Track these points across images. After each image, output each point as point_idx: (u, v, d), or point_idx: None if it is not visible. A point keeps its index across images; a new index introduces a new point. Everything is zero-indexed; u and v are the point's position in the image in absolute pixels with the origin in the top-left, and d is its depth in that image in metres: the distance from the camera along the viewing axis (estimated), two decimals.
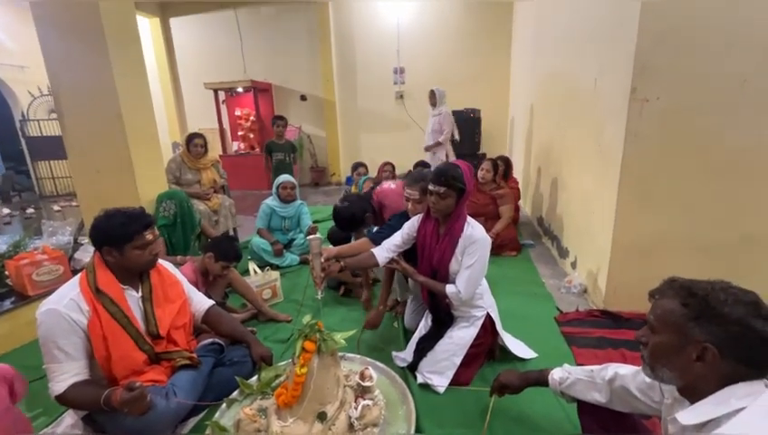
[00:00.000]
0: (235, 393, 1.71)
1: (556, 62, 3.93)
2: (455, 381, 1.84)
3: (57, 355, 1.41)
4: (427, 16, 7.38)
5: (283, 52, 7.94)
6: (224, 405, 1.65)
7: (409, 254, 2.02)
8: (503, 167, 3.89)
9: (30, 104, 7.47)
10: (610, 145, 2.43)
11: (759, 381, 0.80)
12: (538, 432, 1.59)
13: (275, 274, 2.89)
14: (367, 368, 1.69)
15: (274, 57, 8.01)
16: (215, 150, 7.59)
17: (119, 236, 1.51)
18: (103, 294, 1.49)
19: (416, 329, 2.09)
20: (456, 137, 5.30)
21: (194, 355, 1.70)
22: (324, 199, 6.82)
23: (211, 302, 1.93)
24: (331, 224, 3.91)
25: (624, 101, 2.21)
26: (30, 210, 6.52)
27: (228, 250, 2.37)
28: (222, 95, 8.04)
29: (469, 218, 1.84)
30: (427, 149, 5.22)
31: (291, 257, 3.55)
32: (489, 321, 1.94)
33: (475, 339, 1.88)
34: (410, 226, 1.97)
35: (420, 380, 1.88)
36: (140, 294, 1.61)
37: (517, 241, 3.79)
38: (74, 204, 6.54)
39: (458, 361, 1.85)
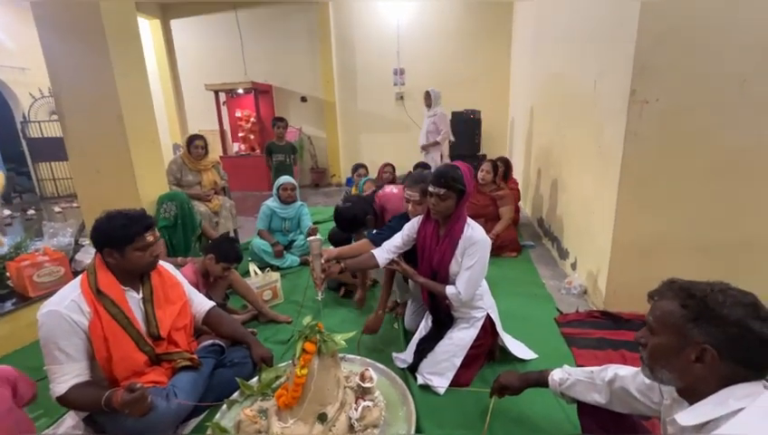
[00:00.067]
0: (236, 394, 1.71)
1: (556, 63, 3.93)
2: (455, 382, 1.84)
3: (58, 356, 1.41)
4: (427, 17, 7.40)
5: (284, 53, 7.96)
6: (224, 406, 1.66)
7: (409, 255, 2.02)
8: (502, 168, 3.90)
9: (31, 106, 7.49)
10: (610, 146, 2.44)
11: (758, 383, 0.80)
12: (538, 433, 1.59)
13: (276, 275, 2.89)
14: (367, 369, 1.69)
15: (275, 58, 8.03)
16: (215, 152, 7.61)
17: (119, 237, 1.51)
18: (104, 296, 1.49)
19: (416, 330, 2.09)
20: (451, 138, 5.32)
21: (194, 356, 1.71)
22: (325, 201, 6.82)
23: (212, 303, 1.93)
24: (332, 225, 3.92)
25: (624, 102, 2.22)
26: (31, 212, 6.53)
27: (229, 251, 2.38)
28: (222, 96, 8.06)
29: (469, 220, 1.85)
30: (424, 147, 5.23)
31: (291, 259, 3.55)
32: (489, 322, 1.94)
33: (475, 340, 1.89)
34: (410, 227, 1.97)
35: (420, 381, 1.88)
36: (141, 295, 1.62)
37: (517, 242, 3.79)
38: (75, 205, 6.55)
39: (458, 362, 1.85)
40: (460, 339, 1.89)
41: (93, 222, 1.56)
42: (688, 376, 0.85)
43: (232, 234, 3.94)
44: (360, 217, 2.45)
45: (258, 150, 7.78)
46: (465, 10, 7.27)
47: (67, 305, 1.43)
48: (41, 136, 7.56)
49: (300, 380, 1.43)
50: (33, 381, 1.51)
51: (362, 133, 8.20)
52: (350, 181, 4.99)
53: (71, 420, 1.66)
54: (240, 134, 8.11)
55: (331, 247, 2.25)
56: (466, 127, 6.07)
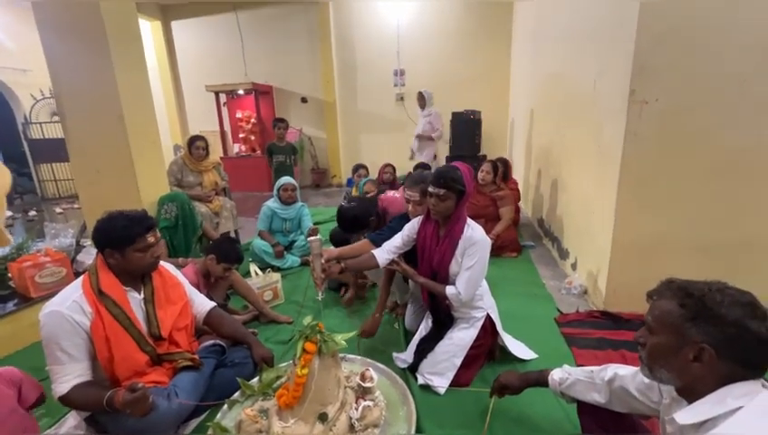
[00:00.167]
0: (237, 394, 1.72)
1: (556, 63, 3.94)
2: (455, 382, 1.84)
3: (60, 357, 1.42)
4: (427, 17, 7.40)
5: (284, 54, 7.97)
6: (225, 406, 1.66)
7: (409, 255, 2.03)
8: (502, 168, 3.90)
9: (32, 107, 7.51)
10: (610, 146, 2.44)
11: (756, 381, 0.80)
12: (538, 433, 1.60)
13: (276, 275, 2.90)
14: (367, 369, 1.69)
15: (275, 59, 8.04)
16: (216, 153, 7.62)
17: (120, 238, 1.52)
18: (106, 296, 1.50)
19: (416, 330, 2.09)
20: (445, 136, 5.47)
21: (195, 356, 1.71)
22: (325, 201, 6.83)
23: (212, 303, 1.94)
24: (332, 226, 3.94)
25: (623, 102, 2.22)
26: (32, 213, 6.54)
27: (230, 252, 2.38)
28: (223, 97, 8.08)
29: (469, 220, 1.85)
30: (419, 136, 5.34)
31: (292, 259, 3.56)
32: (489, 322, 1.94)
33: (476, 340, 1.89)
34: (410, 227, 1.98)
35: (421, 381, 1.88)
36: (142, 295, 1.62)
37: (517, 242, 3.79)
38: (76, 206, 6.57)
39: (458, 362, 1.86)
40: (460, 339, 1.89)
41: (95, 223, 1.56)
42: (687, 375, 0.86)
43: (233, 234, 3.94)
44: (363, 218, 2.45)
45: (259, 151, 7.79)
46: (464, 10, 7.28)
47: (69, 306, 1.44)
48: (42, 137, 7.58)
49: (300, 380, 1.44)
50: (39, 384, 1.51)
51: (363, 134, 8.21)
52: (350, 182, 5.00)
53: (72, 419, 1.66)
54: (241, 135, 8.12)
55: (332, 248, 2.26)
56: (466, 127, 6.05)
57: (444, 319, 1.97)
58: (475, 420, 1.64)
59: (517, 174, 5.61)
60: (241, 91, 7.85)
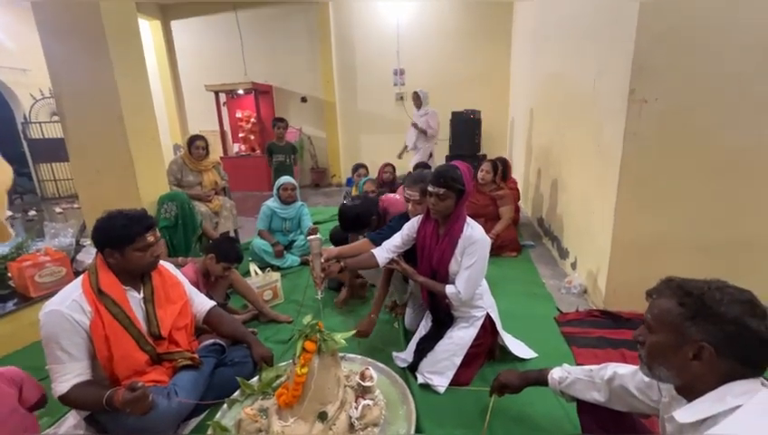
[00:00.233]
0: (237, 394, 1.72)
1: (555, 63, 3.94)
2: (455, 382, 1.85)
3: (60, 356, 1.42)
4: (427, 17, 7.40)
5: (284, 53, 7.97)
6: (225, 405, 1.66)
7: (409, 254, 2.03)
8: (501, 168, 3.90)
9: (32, 107, 7.50)
10: (610, 146, 2.44)
11: (755, 380, 0.80)
12: (538, 432, 1.60)
13: (276, 275, 2.89)
14: (367, 368, 1.69)
15: (275, 59, 8.04)
16: (215, 152, 7.62)
17: (120, 237, 1.52)
18: (105, 296, 1.50)
19: (416, 330, 2.10)
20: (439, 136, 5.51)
21: (195, 356, 1.71)
22: (325, 201, 6.83)
23: (212, 303, 1.94)
24: (332, 225, 3.94)
25: (623, 101, 2.22)
26: (32, 212, 6.54)
27: (229, 251, 2.38)
28: (223, 97, 8.07)
29: (469, 219, 1.85)
30: (414, 125, 5.34)
31: (291, 259, 3.56)
32: (489, 321, 1.94)
33: (475, 339, 1.89)
34: (410, 227, 1.98)
35: (420, 380, 1.88)
36: (142, 295, 1.62)
37: (517, 242, 3.79)
38: (76, 206, 6.56)
39: (458, 361, 1.86)
40: (460, 338, 1.89)
41: (94, 222, 1.56)
42: (686, 374, 0.85)
43: (232, 234, 3.94)
44: (364, 217, 2.45)
45: (258, 151, 7.79)
46: (464, 10, 7.28)
47: (68, 305, 1.44)
48: (42, 137, 7.57)
49: (300, 379, 1.44)
50: (40, 385, 1.51)
51: (362, 133, 8.21)
52: (350, 181, 5.00)
53: (72, 419, 1.66)
54: (240, 135, 8.12)
55: (332, 247, 2.26)
56: (466, 127, 6.06)
57: (444, 318, 1.98)
58: (475, 419, 1.65)
59: (517, 173, 5.61)
60: (241, 91, 7.84)
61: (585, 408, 1.29)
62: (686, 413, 0.85)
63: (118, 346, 1.48)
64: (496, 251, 3.49)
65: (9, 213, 6.22)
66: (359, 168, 4.45)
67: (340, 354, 1.73)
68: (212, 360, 1.80)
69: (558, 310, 2.62)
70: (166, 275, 1.74)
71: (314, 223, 3.94)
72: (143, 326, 1.57)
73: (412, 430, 1.51)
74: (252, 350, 1.88)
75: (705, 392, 0.83)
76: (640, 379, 1.10)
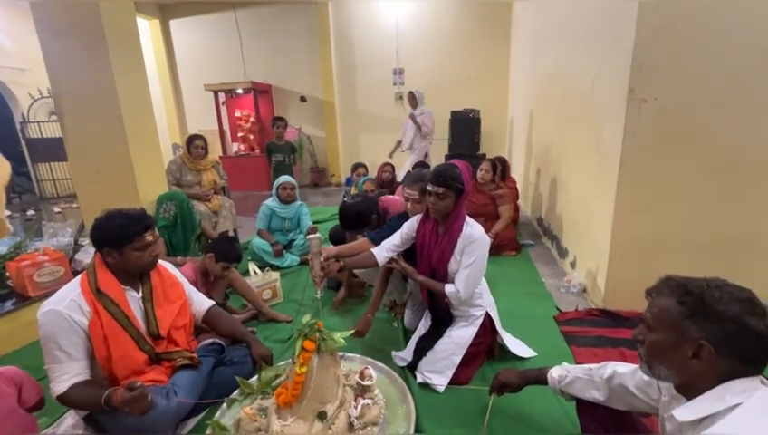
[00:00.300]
0: (236, 393, 1.72)
1: (554, 62, 3.94)
2: (454, 381, 1.84)
3: (58, 356, 1.42)
4: (426, 17, 7.40)
5: (283, 53, 7.96)
6: (224, 405, 1.66)
7: (409, 254, 2.03)
8: (499, 167, 3.90)
9: (30, 106, 7.48)
10: (609, 145, 2.44)
11: (755, 378, 0.80)
12: (537, 431, 1.60)
13: (275, 274, 2.89)
14: (367, 367, 1.69)
15: (274, 58, 8.02)
16: (215, 152, 7.60)
17: (119, 237, 1.51)
18: (104, 295, 1.49)
19: (415, 329, 2.10)
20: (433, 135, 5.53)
21: (194, 355, 1.71)
22: (324, 200, 6.83)
23: (211, 302, 1.93)
24: (331, 224, 3.94)
25: (622, 100, 2.22)
26: (30, 212, 6.53)
27: (228, 251, 2.38)
28: (222, 96, 8.06)
29: (468, 218, 1.85)
30: (413, 120, 5.34)
31: (291, 258, 3.56)
32: (488, 320, 1.94)
33: (475, 338, 1.89)
34: (409, 226, 1.98)
35: (420, 379, 1.88)
36: (141, 294, 1.62)
37: (517, 241, 3.79)
38: (75, 205, 6.55)
39: (458, 360, 1.86)
40: (459, 337, 1.89)
41: (93, 222, 1.56)
42: (686, 372, 0.85)
43: (231, 233, 3.94)
44: (365, 215, 2.43)
45: (258, 150, 7.78)
46: (463, 9, 7.27)
47: (67, 305, 1.43)
48: (40, 136, 7.55)
49: (299, 378, 1.44)
50: (39, 386, 1.51)
51: (362, 133, 8.20)
52: (349, 181, 4.99)
53: (71, 419, 1.66)
54: (239, 134, 8.11)
55: (331, 246, 2.25)
56: (465, 126, 6.06)
57: (443, 317, 1.97)
58: (475, 418, 1.64)
59: (517, 173, 5.62)
60: (240, 91, 7.83)
61: (584, 407, 1.29)
62: (685, 412, 0.84)
63: (116, 346, 1.48)
64: (496, 250, 3.49)
65: (8, 212, 6.23)
66: (358, 167, 4.44)
67: (340, 353, 1.73)
68: (211, 359, 1.80)
69: (557, 309, 2.62)
70: (165, 275, 1.73)
71: (313, 222, 3.93)
72: (142, 326, 1.57)
73: (411, 430, 1.51)
74: (251, 349, 1.88)
75: (704, 391, 0.83)
76: (640, 377, 1.10)
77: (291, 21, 7.77)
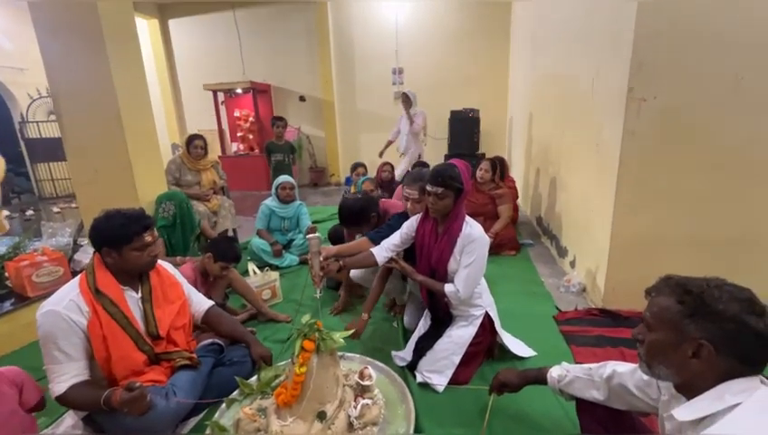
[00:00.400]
0: (235, 393, 1.71)
1: (554, 62, 3.93)
2: (454, 380, 1.84)
3: (57, 356, 1.41)
4: (426, 16, 7.39)
5: (282, 53, 7.95)
6: (223, 405, 1.66)
7: (408, 253, 2.02)
8: (498, 166, 3.90)
9: (29, 106, 7.47)
10: (608, 144, 2.44)
11: (754, 378, 0.80)
12: (537, 430, 1.60)
13: (275, 274, 2.89)
14: (366, 367, 1.69)
15: (273, 58, 8.02)
16: (214, 151, 7.59)
17: (118, 237, 1.51)
18: (103, 295, 1.49)
19: (415, 328, 2.09)
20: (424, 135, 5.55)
21: (193, 355, 1.71)
22: (323, 200, 6.82)
23: (211, 302, 1.93)
24: (331, 224, 3.94)
25: (621, 99, 2.22)
26: (29, 212, 6.51)
27: (227, 251, 2.37)
28: (221, 96, 8.05)
29: (468, 218, 1.85)
30: (409, 119, 5.31)
31: (290, 258, 3.55)
32: (488, 320, 1.94)
33: (474, 338, 1.89)
34: (409, 225, 1.98)
35: (419, 379, 1.88)
36: (140, 294, 1.62)
37: (516, 240, 3.79)
38: (74, 205, 6.54)
39: (457, 360, 1.86)
40: (459, 337, 1.89)
41: (92, 222, 1.56)
42: (685, 372, 0.85)
43: (231, 233, 3.94)
44: (365, 212, 2.41)
45: (257, 150, 7.78)
46: (463, 9, 7.27)
47: (66, 305, 1.43)
48: (39, 136, 7.54)
49: (299, 378, 1.43)
50: (40, 388, 1.50)
51: (361, 133, 8.20)
52: (348, 180, 4.99)
53: (70, 419, 1.66)
54: (239, 134, 8.10)
55: (330, 246, 2.25)
56: (465, 126, 6.07)
57: (443, 317, 1.97)
58: (474, 417, 1.64)
59: (516, 172, 5.62)
60: (239, 90, 7.82)
61: (584, 406, 1.29)
62: (685, 411, 0.84)
63: (115, 346, 1.48)
64: (495, 250, 3.49)
65: (6, 212, 6.22)
66: (357, 167, 4.44)
67: (339, 353, 1.73)
68: (210, 359, 1.80)
69: (557, 308, 2.63)
70: (164, 275, 1.73)
71: (313, 222, 3.93)
72: (141, 326, 1.57)
73: (411, 430, 1.51)
74: (250, 349, 1.88)
75: (704, 390, 0.83)
76: (639, 377, 1.10)
77: (290, 21, 7.76)
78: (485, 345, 1.99)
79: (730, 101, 2.14)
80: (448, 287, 1.80)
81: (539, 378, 1.38)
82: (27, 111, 7.47)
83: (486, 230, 2.98)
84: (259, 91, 7.86)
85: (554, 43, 3.92)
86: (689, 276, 0.89)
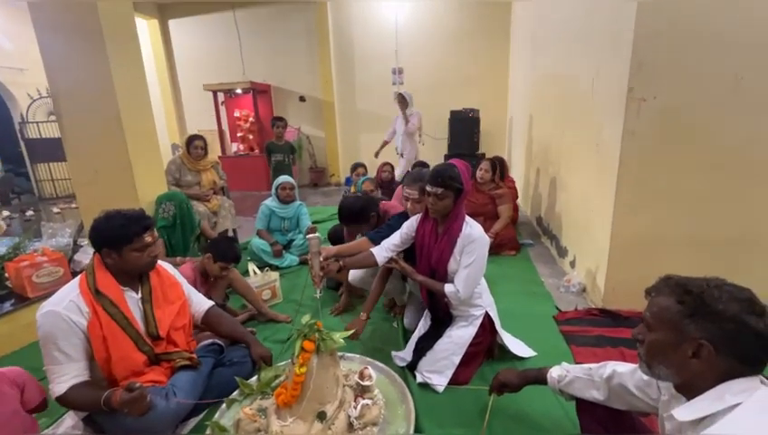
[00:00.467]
0: (235, 393, 1.71)
1: (554, 62, 3.93)
2: (454, 381, 1.84)
3: (57, 357, 1.41)
4: (426, 16, 7.39)
5: (282, 53, 7.95)
6: (224, 405, 1.66)
7: (408, 253, 2.02)
8: (498, 167, 3.90)
9: (29, 106, 7.47)
10: (608, 144, 2.44)
11: (754, 378, 0.80)
12: (537, 430, 1.60)
13: (275, 274, 2.89)
14: (366, 367, 1.69)
15: (273, 58, 8.02)
16: (214, 152, 7.59)
17: (118, 237, 1.51)
18: (103, 296, 1.49)
19: (415, 329, 2.09)
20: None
21: (194, 356, 1.71)
22: (323, 200, 6.82)
23: (211, 302, 1.93)
24: (331, 224, 3.94)
25: (621, 99, 2.22)
26: (29, 213, 6.52)
27: (227, 251, 2.37)
28: (221, 96, 8.05)
29: (467, 218, 1.85)
30: (405, 120, 5.30)
31: (290, 258, 3.55)
32: (488, 320, 1.94)
33: (474, 338, 1.89)
34: (409, 225, 1.98)
35: (419, 379, 1.88)
36: (140, 295, 1.61)
37: (516, 240, 3.79)
38: (74, 206, 6.54)
39: (457, 360, 1.85)
40: (459, 337, 1.89)
41: (92, 222, 1.56)
42: (685, 372, 0.85)
43: (231, 233, 3.94)
44: (366, 211, 2.40)
45: (257, 150, 7.78)
46: (463, 9, 7.26)
47: (66, 306, 1.43)
48: (39, 137, 7.54)
49: (299, 378, 1.43)
50: (42, 388, 1.50)
51: (361, 133, 8.20)
52: (348, 181, 4.99)
53: (70, 420, 1.66)
54: (239, 134, 8.10)
55: (330, 246, 2.25)
56: (465, 126, 6.07)
57: (443, 317, 1.97)
58: (474, 417, 1.64)
59: (516, 172, 5.62)
60: (239, 91, 7.82)
61: (584, 406, 1.29)
62: (685, 411, 0.84)
63: (115, 347, 1.48)
64: (495, 250, 3.49)
65: (6, 213, 6.23)
66: (357, 167, 4.44)
67: (339, 354, 1.73)
68: (210, 360, 1.80)
69: (557, 308, 2.63)
70: (164, 276, 1.73)
71: (313, 222, 3.93)
72: (141, 327, 1.57)
73: (411, 430, 1.51)
74: (251, 349, 1.88)
75: (704, 390, 0.83)
76: (639, 377, 1.10)
77: (290, 21, 7.76)
78: (485, 345, 1.99)
79: (730, 101, 2.14)
80: (448, 287, 1.80)
81: (539, 378, 1.38)
82: (27, 111, 7.47)
83: (486, 230, 2.97)
84: (259, 92, 7.86)
85: (554, 43, 3.92)
86: (689, 276, 0.89)
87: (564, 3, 3.52)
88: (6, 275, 2.55)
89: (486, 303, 1.96)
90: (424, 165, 4.10)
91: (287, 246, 3.64)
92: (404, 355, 2.01)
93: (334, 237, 3.43)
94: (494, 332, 2.00)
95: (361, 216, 2.38)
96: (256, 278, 2.76)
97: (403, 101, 5.13)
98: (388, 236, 2.01)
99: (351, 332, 1.79)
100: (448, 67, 7.47)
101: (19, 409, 1.38)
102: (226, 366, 1.82)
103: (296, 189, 3.68)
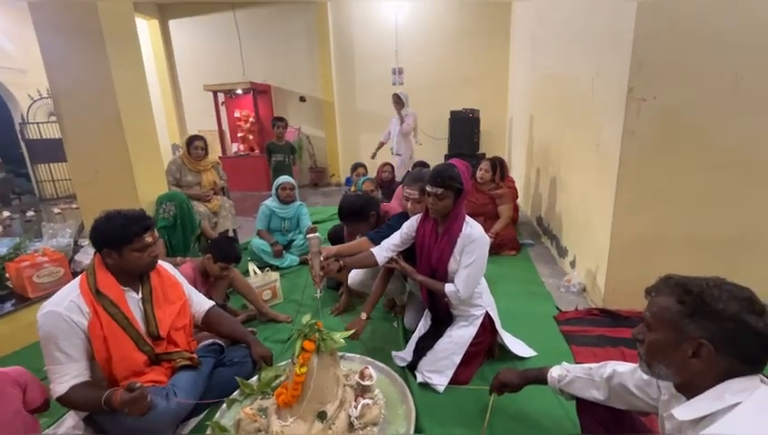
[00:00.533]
0: (236, 393, 1.72)
1: (554, 62, 3.94)
2: (454, 380, 1.84)
3: (58, 357, 1.41)
4: (426, 16, 7.39)
5: (282, 53, 7.95)
6: (224, 405, 1.66)
7: (408, 253, 2.02)
8: (498, 167, 3.90)
9: (29, 107, 7.48)
10: (608, 144, 2.44)
11: (754, 377, 0.80)
12: (537, 430, 1.60)
13: (275, 275, 2.89)
14: (366, 367, 1.69)
15: (273, 59, 8.02)
16: (214, 152, 7.59)
17: (118, 238, 1.51)
18: (103, 296, 1.49)
19: (415, 328, 2.09)
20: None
21: (194, 356, 1.71)
22: (324, 200, 6.83)
23: (211, 302, 1.93)
24: (331, 225, 3.94)
25: (621, 99, 2.22)
26: (30, 213, 6.52)
27: (227, 251, 2.37)
28: (221, 97, 8.05)
29: (468, 218, 1.85)
30: (400, 120, 5.31)
31: (290, 258, 3.55)
32: (488, 320, 1.94)
33: (475, 338, 1.89)
34: (409, 225, 1.98)
35: (420, 379, 1.88)
36: (140, 295, 1.62)
37: (516, 240, 3.80)
38: (74, 206, 6.54)
39: (458, 360, 1.86)
40: (459, 337, 1.89)
41: (92, 222, 1.56)
42: (685, 371, 0.85)
43: (231, 234, 3.94)
44: (366, 210, 2.40)
45: (257, 151, 7.78)
46: (463, 9, 7.27)
47: (66, 306, 1.43)
48: (39, 137, 7.55)
49: (299, 378, 1.44)
50: (44, 388, 1.50)
51: (361, 133, 8.20)
52: (348, 181, 5.00)
53: (71, 420, 1.66)
54: (239, 134, 8.10)
55: (330, 246, 2.25)
56: (465, 126, 6.07)
57: (443, 317, 1.97)
58: (475, 417, 1.64)
59: (517, 172, 5.62)
60: (239, 91, 7.82)
61: (584, 406, 1.29)
62: (685, 411, 0.84)
63: (116, 347, 1.48)
64: (495, 250, 3.49)
65: (7, 213, 6.23)
66: (357, 167, 4.45)
67: (339, 353, 1.73)
68: (211, 360, 1.80)
69: (557, 308, 2.63)
70: (164, 276, 1.73)
71: (313, 223, 3.93)
72: (141, 327, 1.57)
73: (411, 430, 1.51)
74: (251, 349, 1.88)
75: (704, 390, 0.83)
76: (639, 377, 1.10)
77: (290, 21, 7.76)
78: (486, 345, 1.99)
79: (730, 101, 2.14)
80: (448, 287, 1.80)
81: (539, 378, 1.38)
82: (28, 112, 7.48)
83: (486, 230, 2.97)
84: (259, 92, 7.86)
85: (554, 43, 3.92)
86: (689, 276, 0.89)
87: (564, 3, 3.52)
88: (7, 275, 2.55)
89: (487, 302, 1.96)
90: (424, 165, 4.11)
91: (287, 247, 3.64)
92: (404, 355, 2.01)
93: (334, 237, 3.43)
94: (495, 332, 2.00)
95: (361, 214, 2.38)
96: (257, 278, 2.76)
97: (399, 101, 5.13)
98: (388, 236, 2.01)
99: (352, 332, 1.79)
100: (448, 67, 7.47)
101: (21, 409, 1.38)
102: (227, 366, 1.82)
103: (296, 190, 3.68)
